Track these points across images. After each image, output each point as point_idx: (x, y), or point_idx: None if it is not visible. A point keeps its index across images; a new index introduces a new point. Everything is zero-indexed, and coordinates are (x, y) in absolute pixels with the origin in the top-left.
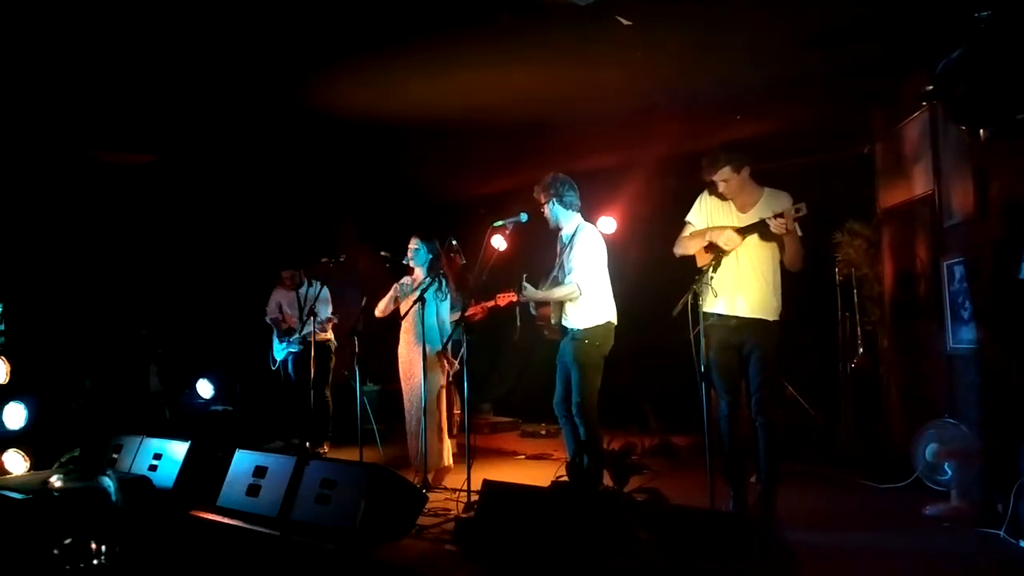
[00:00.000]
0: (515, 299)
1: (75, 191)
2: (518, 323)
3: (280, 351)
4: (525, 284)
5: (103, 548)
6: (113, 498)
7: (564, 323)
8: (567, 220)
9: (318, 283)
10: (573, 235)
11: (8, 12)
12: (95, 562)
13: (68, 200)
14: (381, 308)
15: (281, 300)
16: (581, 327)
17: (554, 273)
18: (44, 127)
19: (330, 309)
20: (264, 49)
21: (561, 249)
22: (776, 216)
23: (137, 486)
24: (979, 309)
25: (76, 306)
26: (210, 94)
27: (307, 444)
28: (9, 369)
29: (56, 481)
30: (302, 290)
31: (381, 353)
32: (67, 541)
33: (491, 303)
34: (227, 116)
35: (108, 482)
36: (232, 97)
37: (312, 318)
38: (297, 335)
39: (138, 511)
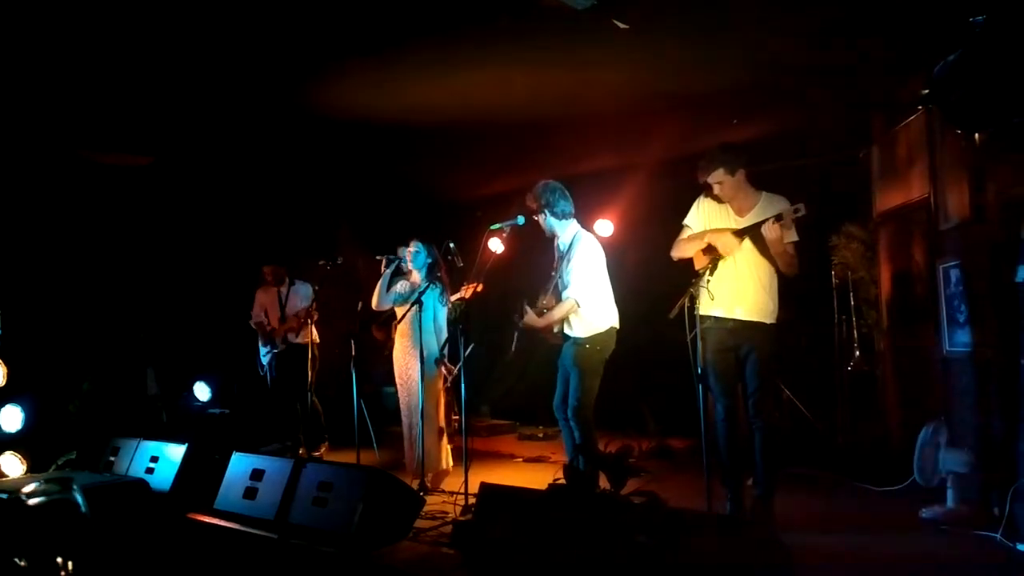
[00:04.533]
0: (480, 289)
1: (71, 193)
2: (514, 344)
3: (265, 355)
4: (526, 308)
5: (69, 563)
6: (82, 509)
7: (566, 331)
8: (562, 229)
9: (302, 283)
10: (570, 245)
11: (6, 13)
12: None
13: (64, 202)
14: (375, 301)
15: (264, 302)
16: (582, 335)
17: (554, 278)
18: (40, 129)
19: (312, 307)
20: (263, 50)
21: (559, 257)
22: (775, 218)
23: (134, 489)
24: (975, 312)
25: (73, 309)
26: (208, 95)
27: (300, 448)
28: (6, 372)
29: (29, 498)
30: (283, 289)
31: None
32: (33, 553)
33: (456, 296)
34: (224, 117)
35: (77, 495)
36: (230, 98)
37: (305, 319)
38: (276, 338)
39: (134, 514)
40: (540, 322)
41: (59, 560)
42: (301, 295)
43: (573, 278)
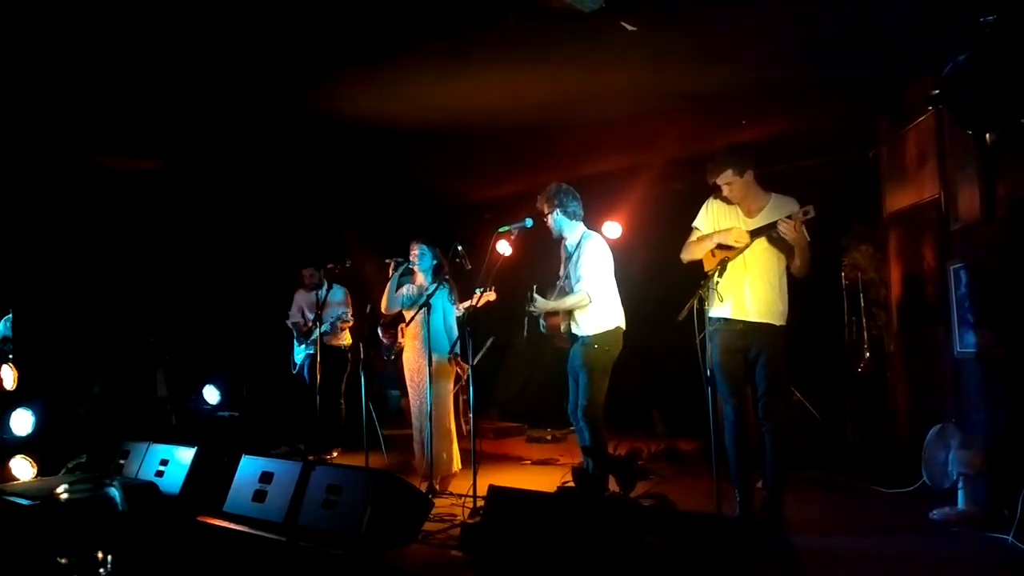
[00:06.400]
0: (492, 299)
1: (82, 198)
2: (525, 333)
3: (299, 353)
4: (535, 296)
5: (109, 558)
6: (119, 507)
7: (574, 331)
8: (571, 230)
9: (336, 285)
10: (579, 244)
11: (18, 19)
12: (101, 571)
13: (75, 207)
14: (383, 304)
15: (303, 303)
16: (590, 333)
17: (560, 283)
18: (50, 134)
19: (349, 312)
20: (271, 53)
21: (566, 258)
22: (784, 219)
23: (144, 492)
24: (985, 313)
25: (84, 313)
26: (216, 99)
27: (310, 452)
28: (17, 376)
29: (63, 492)
30: (320, 291)
31: None
32: (73, 550)
33: (467, 304)
34: (232, 121)
35: (114, 491)
36: (237, 102)
37: (322, 322)
38: (311, 338)
39: (144, 517)
40: (550, 305)
41: (99, 555)
42: (338, 299)
43: (584, 273)
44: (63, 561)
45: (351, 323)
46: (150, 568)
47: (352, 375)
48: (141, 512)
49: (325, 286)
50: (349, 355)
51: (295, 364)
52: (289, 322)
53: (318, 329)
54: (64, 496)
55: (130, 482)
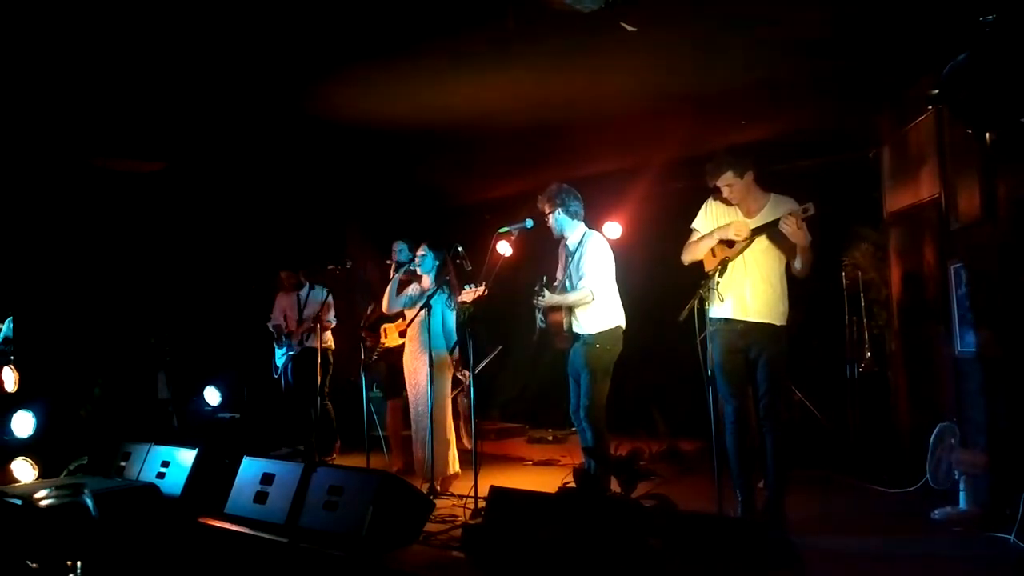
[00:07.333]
0: (484, 294)
1: (83, 200)
2: (538, 324)
3: (280, 357)
4: (544, 288)
5: (79, 564)
6: (92, 513)
7: (575, 328)
8: (572, 229)
9: (320, 287)
10: (580, 243)
11: (20, 23)
12: None
13: (76, 209)
14: (385, 304)
15: (284, 305)
16: (593, 331)
17: (557, 282)
18: (51, 136)
19: (332, 314)
20: (272, 55)
21: (566, 258)
22: (786, 217)
23: (145, 494)
24: (985, 312)
25: (85, 315)
26: (217, 101)
27: (315, 453)
28: (18, 378)
29: (41, 500)
30: (302, 292)
31: None
32: (44, 556)
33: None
34: (233, 123)
35: (87, 499)
36: (238, 104)
37: (316, 324)
38: (292, 340)
39: (145, 519)
40: (555, 299)
41: (69, 563)
42: (318, 299)
43: (587, 271)
44: (33, 565)
45: (333, 325)
46: (152, 570)
47: (353, 376)
48: (142, 514)
49: (307, 287)
50: (331, 356)
51: (276, 368)
52: (270, 325)
53: (317, 331)
54: (43, 503)
55: (131, 484)
